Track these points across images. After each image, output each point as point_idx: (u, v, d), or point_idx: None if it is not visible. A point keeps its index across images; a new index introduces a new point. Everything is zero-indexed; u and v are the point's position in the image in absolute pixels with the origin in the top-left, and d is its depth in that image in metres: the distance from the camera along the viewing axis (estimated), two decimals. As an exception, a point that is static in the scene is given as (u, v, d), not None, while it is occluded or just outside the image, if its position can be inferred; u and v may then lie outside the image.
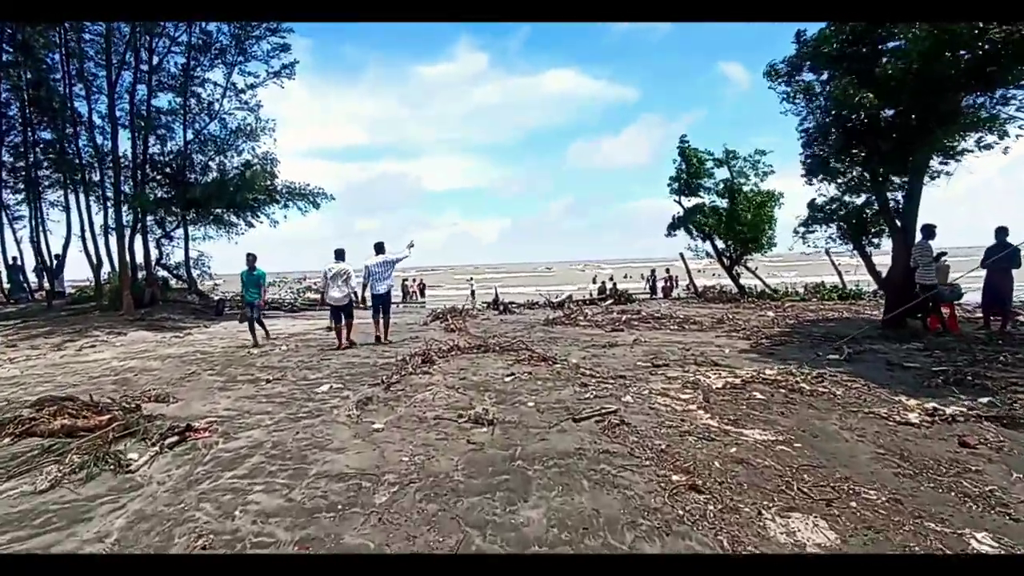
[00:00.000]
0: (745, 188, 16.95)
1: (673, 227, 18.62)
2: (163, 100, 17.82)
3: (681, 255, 20.32)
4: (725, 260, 18.23)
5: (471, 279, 30.89)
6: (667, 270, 28.06)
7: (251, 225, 20.26)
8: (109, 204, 16.08)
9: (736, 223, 16.47)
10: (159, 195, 17.45)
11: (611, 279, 29.48)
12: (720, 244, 18.13)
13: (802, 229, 10.91)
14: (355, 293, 9.65)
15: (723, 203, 17.53)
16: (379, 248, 9.64)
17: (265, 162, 17.43)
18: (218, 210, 17.22)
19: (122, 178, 16.81)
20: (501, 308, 14.78)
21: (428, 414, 5.06)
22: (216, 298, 24.99)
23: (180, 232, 21.01)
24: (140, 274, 19.68)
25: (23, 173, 21.14)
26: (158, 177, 17.35)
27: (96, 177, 17.47)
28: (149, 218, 17.86)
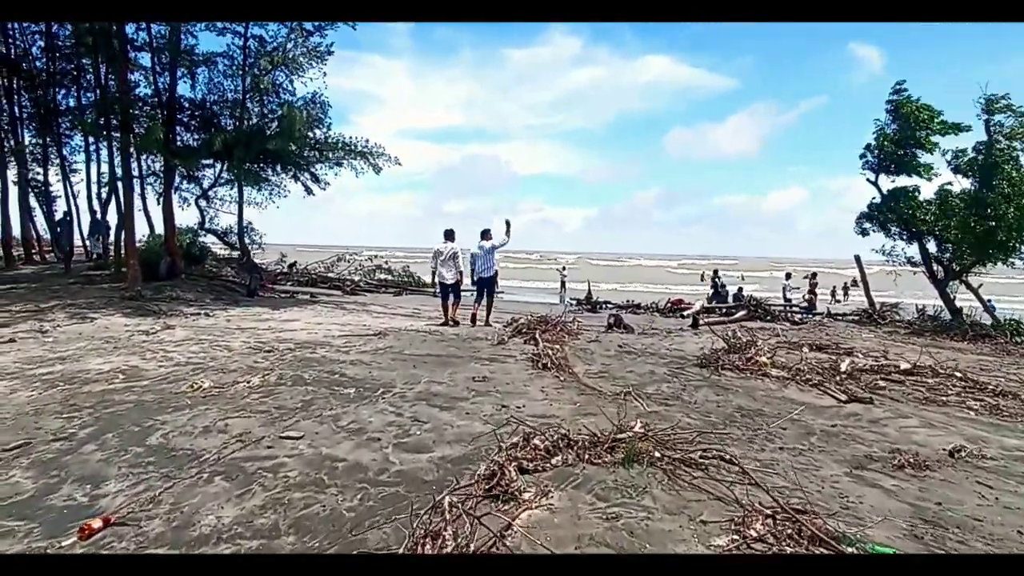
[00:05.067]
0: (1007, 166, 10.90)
1: (868, 219, 12.99)
2: (208, 37, 14.15)
3: (857, 258, 14.74)
4: (938, 270, 12.52)
5: (564, 268, 26.08)
6: (814, 275, 22.21)
7: (308, 190, 16.66)
8: (100, 147, 12.74)
9: (985, 216, 10.64)
10: (186, 142, 13.99)
11: (718, 275, 23.58)
12: (932, 247, 12.42)
13: None
14: (461, 273, 9.54)
15: (959, 184, 11.75)
16: (485, 234, 9.67)
17: (311, 105, 13.53)
18: (248, 164, 13.50)
19: (142, 121, 13.51)
20: (612, 321, 10.10)
21: None
22: (271, 268, 21.93)
23: (231, 193, 17.90)
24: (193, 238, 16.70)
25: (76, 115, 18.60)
26: (185, 120, 13.88)
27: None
28: (178, 173, 14.54)
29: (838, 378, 6.34)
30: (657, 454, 3.61)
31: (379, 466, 3.49)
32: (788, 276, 21.00)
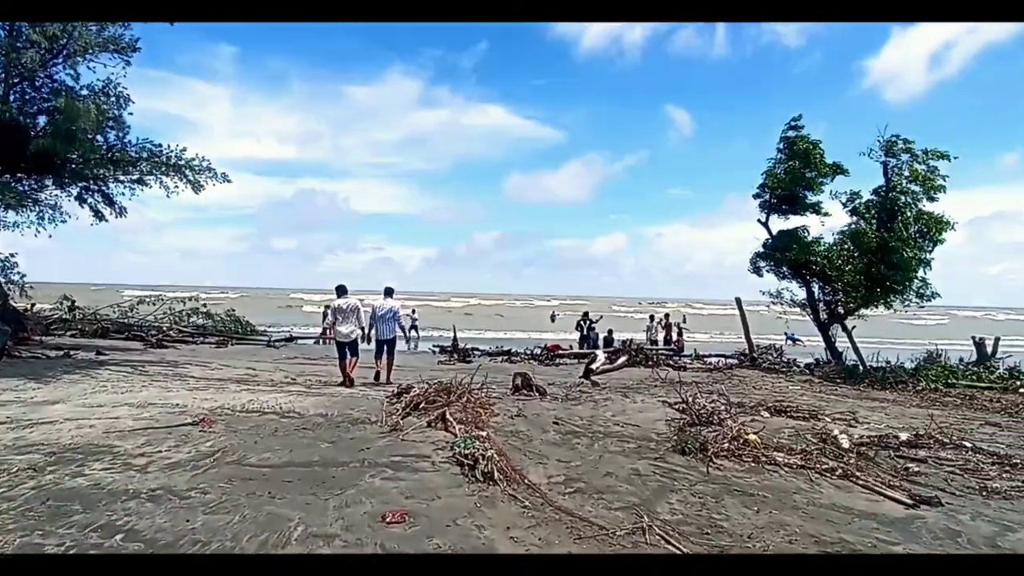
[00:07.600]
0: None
1: (764, 258, 12.69)
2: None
3: (737, 301, 14.50)
4: (822, 313, 12.50)
5: (413, 311, 23.84)
6: (666, 315, 22.04)
7: (98, 215, 12.65)
8: None
9: (888, 258, 10.57)
10: None
11: (588, 317, 22.78)
12: (816, 289, 12.41)
13: None
14: (362, 329, 9.12)
15: (855, 226, 11.73)
16: (389, 292, 9.60)
17: (101, 98, 10.00)
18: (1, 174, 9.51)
19: None
20: (519, 382, 8.10)
21: None
22: (45, 314, 16.83)
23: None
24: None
25: None
26: None
27: None
28: None
29: (851, 459, 4.96)
30: None
31: None
32: (652, 318, 20.76)
